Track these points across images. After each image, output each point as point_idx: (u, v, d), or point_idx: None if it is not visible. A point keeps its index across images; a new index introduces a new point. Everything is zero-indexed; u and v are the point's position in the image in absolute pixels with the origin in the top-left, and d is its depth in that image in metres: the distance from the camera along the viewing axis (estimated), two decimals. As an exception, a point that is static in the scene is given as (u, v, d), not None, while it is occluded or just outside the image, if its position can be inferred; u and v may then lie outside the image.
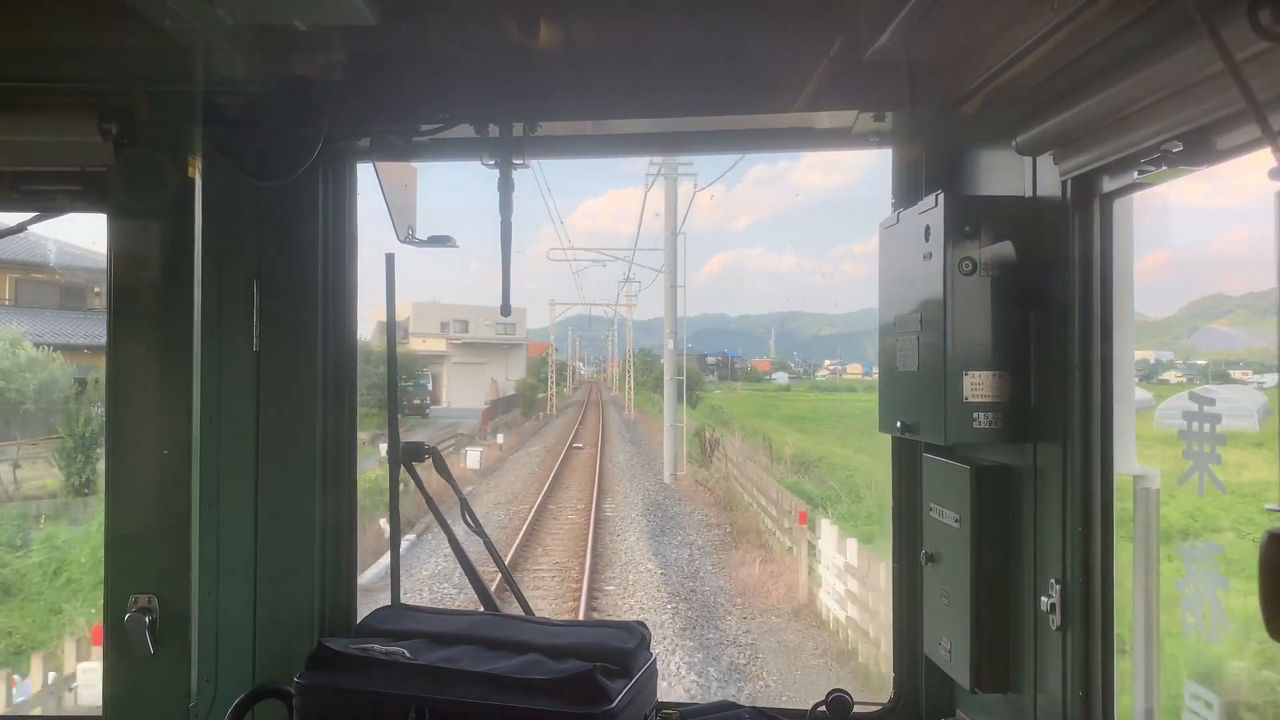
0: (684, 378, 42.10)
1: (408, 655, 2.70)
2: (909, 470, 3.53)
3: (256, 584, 3.45)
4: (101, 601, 3.22)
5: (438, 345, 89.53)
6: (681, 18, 3.20)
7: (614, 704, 2.53)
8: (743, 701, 3.28)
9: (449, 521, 3.61)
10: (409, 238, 3.77)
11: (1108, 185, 2.55)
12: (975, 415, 2.86)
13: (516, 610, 3.49)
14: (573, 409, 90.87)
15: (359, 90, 3.34)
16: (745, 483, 30.26)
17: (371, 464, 22.84)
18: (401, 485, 3.55)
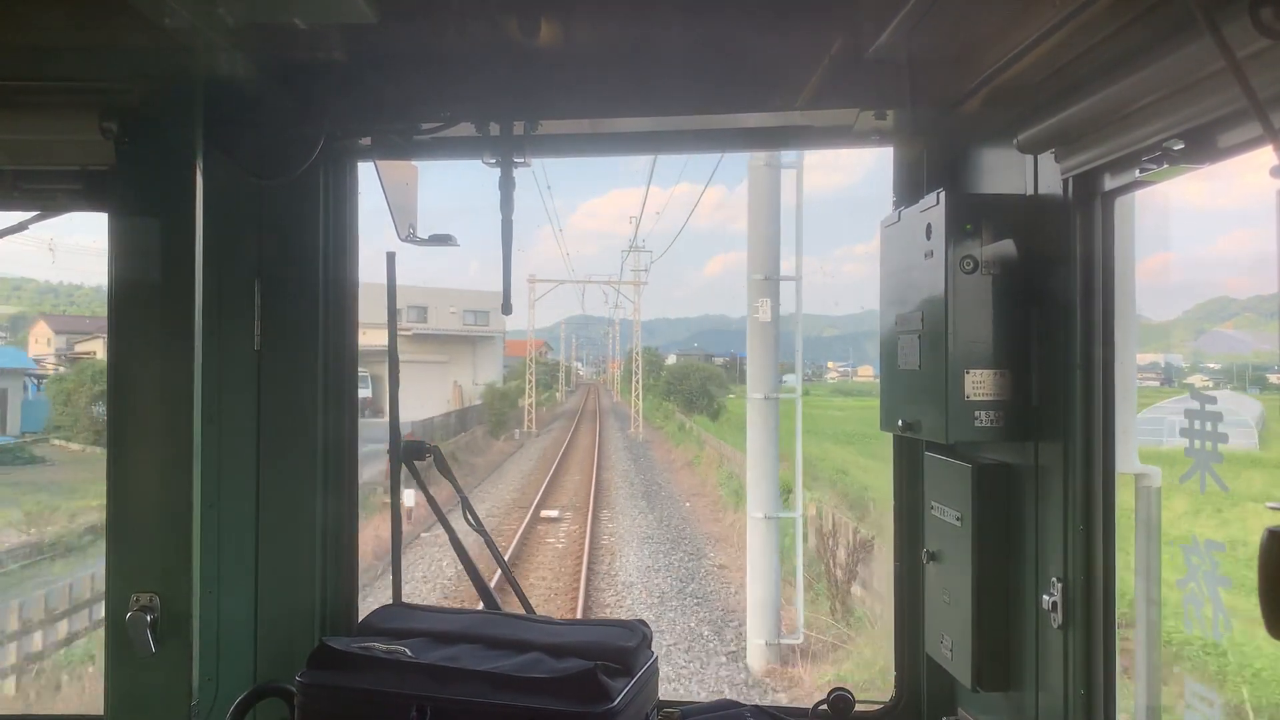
0: (798, 395, 17.03)
1: (409, 654, 2.70)
2: (910, 469, 3.53)
3: (258, 583, 3.45)
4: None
5: (384, 338, 70.14)
6: (682, 16, 3.20)
7: (615, 702, 2.53)
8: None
9: (450, 520, 3.62)
10: (410, 236, 3.78)
11: (1109, 183, 2.55)
12: (976, 413, 2.87)
13: (518, 609, 3.49)
14: (561, 423, 71.25)
15: (359, 88, 3.34)
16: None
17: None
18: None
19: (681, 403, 69.30)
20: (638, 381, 68.56)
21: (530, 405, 63.57)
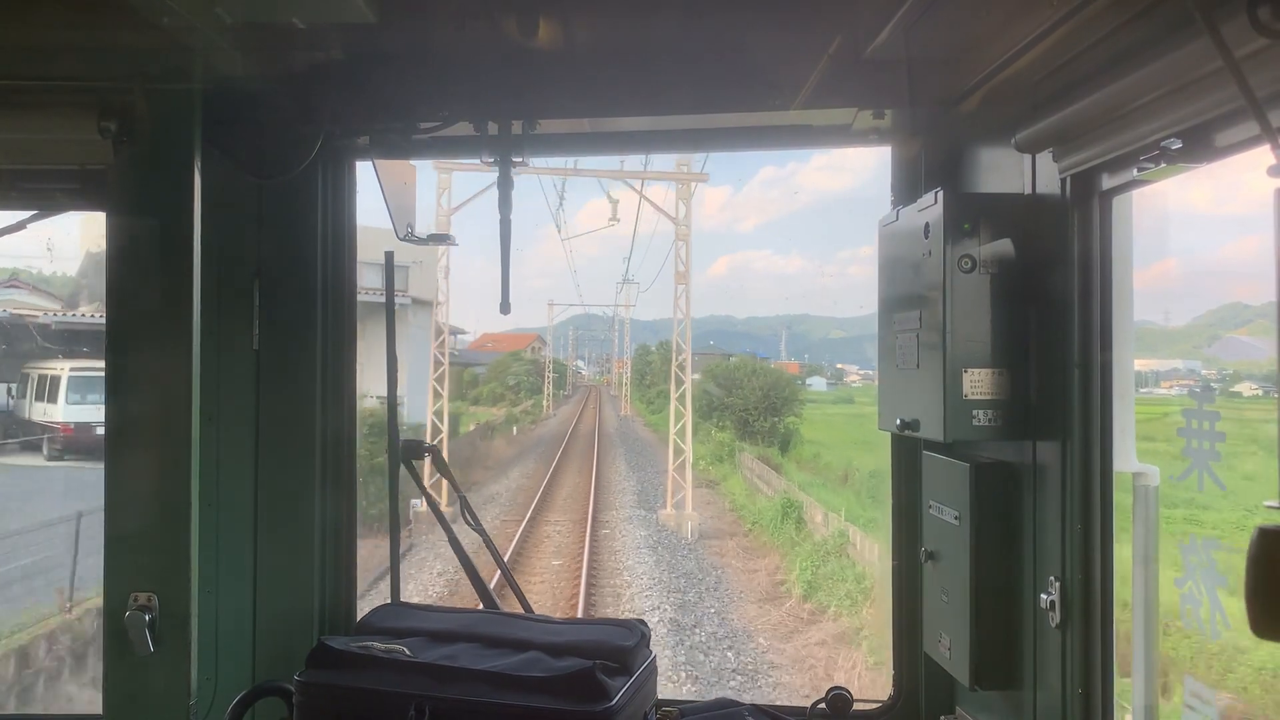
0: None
1: (408, 653, 2.70)
2: (909, 468, 3.53)
3: (256, 582, 3.46)
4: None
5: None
6: (681, 16, 3.20)
7: (614, 701, 2.53)
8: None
9: (449, 520, 3.61)
10: (408, 235, 3.78)
11: (1107, 182, 2.55)
12: (975, 412, 2.86)
13: (516, 608, 3.49)
14: (522, 477, 37.07)
15: (358, 88, 3.34)
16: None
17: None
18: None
19: (735, 424, 42.20)
20: (683, 394, 32.31)
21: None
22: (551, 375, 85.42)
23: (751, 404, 42.18)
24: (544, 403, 77.57)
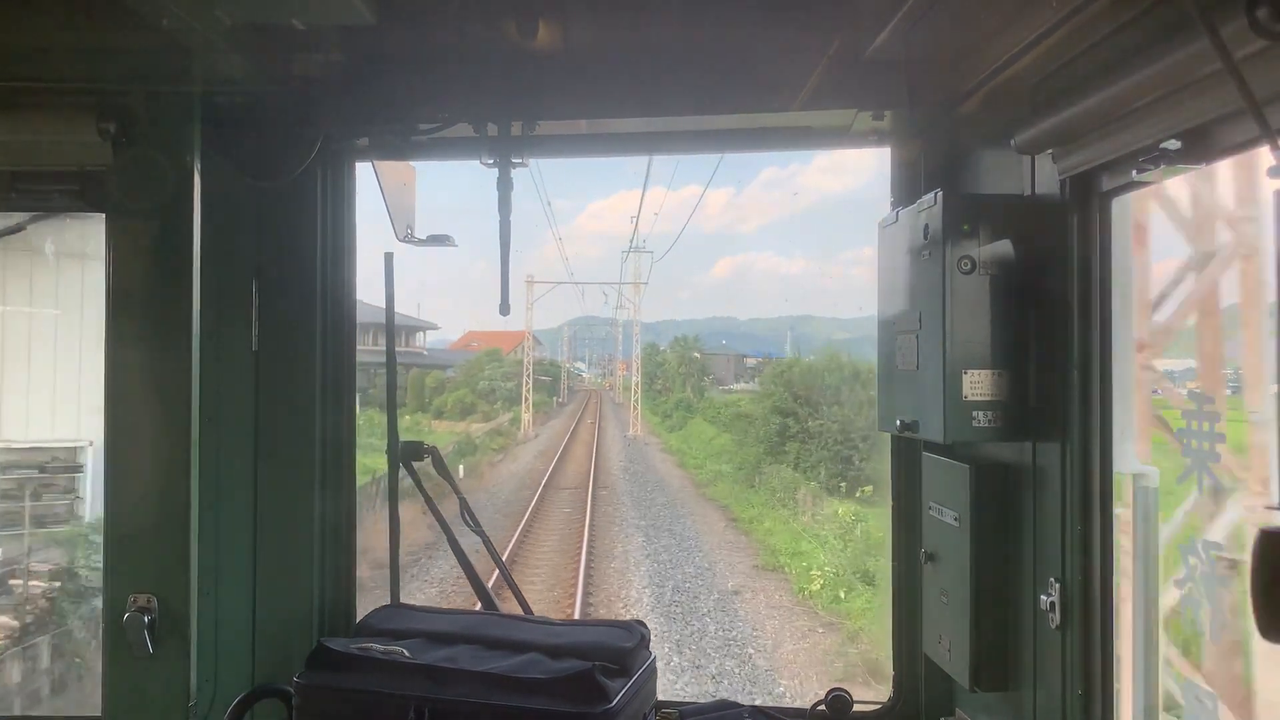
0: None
1: (407, 655, 2.71)
2: (908, 469, 3.52)
3: (256, 584, 3.46)
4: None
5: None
6: (680, 18, 3.20)
7: (613, 703, 2.53)
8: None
9: (448, 521, 3.61)
10: (408, 237, 3.78)
11: (1106, 184, 2.55)
12: (974, 414, 2.86)
13: (515, 609, 3.49)
14: None
15: (357, 90, 3.35)
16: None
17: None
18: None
19: (828, 466, 27.57)
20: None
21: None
22: (533, 380, 57.70)
23: (834, 432, 24.63)
24: (523, 418, 54.27)
